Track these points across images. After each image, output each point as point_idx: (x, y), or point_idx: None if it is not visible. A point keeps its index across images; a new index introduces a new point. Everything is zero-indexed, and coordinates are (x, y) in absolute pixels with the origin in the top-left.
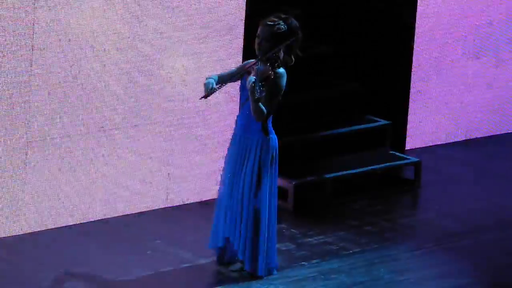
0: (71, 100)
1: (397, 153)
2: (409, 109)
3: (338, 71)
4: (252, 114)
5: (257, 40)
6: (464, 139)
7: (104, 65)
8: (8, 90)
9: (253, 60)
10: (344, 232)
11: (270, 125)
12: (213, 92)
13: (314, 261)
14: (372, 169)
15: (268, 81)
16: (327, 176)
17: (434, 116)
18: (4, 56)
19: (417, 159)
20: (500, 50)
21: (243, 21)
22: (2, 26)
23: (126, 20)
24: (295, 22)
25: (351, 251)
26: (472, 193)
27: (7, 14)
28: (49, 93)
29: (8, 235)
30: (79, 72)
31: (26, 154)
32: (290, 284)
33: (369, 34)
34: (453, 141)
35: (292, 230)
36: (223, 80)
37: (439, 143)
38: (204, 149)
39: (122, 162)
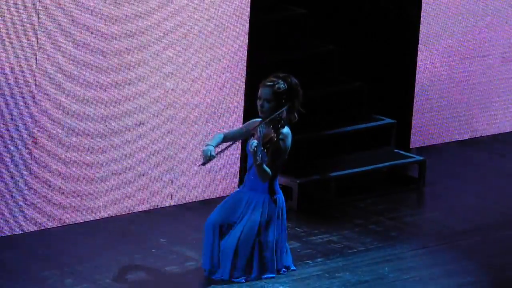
0: (77, 96)
1: (402, 152)
2: (414, 107)
3: (343, 69)
4: (257, 174)
5: (259, 102)
6: (469, 137)
7: (108, 60)
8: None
9: (257, 119)
10: (348, 230)
11: (277, 184)
12: (211, 160)
13: (319, 259)
14: (377, 167)
15: (271, 143)
16: (332, 174)
17: (439, 114)
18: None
19: (422, 158)
20: (507, 48)
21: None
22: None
23: (133, 17)
24: (294, 80)
25: (355, 250)
26: (477, 192)
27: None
28: (54, 90)
29: (14, 233)
30: (85, 67)
31: (31, 151)
32: (294, 282)
33: (374, 33)
34: (458, 139)
35: (296, 228)
36: (228, 140)
37: (444, 141)
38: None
39: (127, 160)
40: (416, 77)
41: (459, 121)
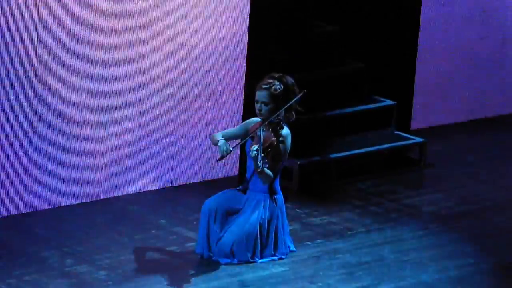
0: (72, 78)
1: (402, 134)
2: (414, 89)
3: (344, 50)
4: (258, 177)
5: (256, 105)
6: (470, 119)
7: (111, 43)
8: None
9: (255, 119)
10: (348, 212)
11: (277, 184)
12: (228, 154)
13: (319, 241)
14: (377, 149)
15: (272, 147)
16: (332, 156)
17: (440, 96)
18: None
19: (422, 140)
20: (507, 29)
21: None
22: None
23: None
24: (290, 80)
25: (355, 231)
26: (477, 174)
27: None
28: (52, 71)
29: (13, 213)
30: (84, 48)
31: (30, 133)
32: (294, 263)
33: (375, 14)
34: (459, 121)
35: (296, 210)
36: (228, 139)
37: (444, 123)
38: (211, 130)
39: (127, 141)
40: (417, 59)
41: (460, 103)
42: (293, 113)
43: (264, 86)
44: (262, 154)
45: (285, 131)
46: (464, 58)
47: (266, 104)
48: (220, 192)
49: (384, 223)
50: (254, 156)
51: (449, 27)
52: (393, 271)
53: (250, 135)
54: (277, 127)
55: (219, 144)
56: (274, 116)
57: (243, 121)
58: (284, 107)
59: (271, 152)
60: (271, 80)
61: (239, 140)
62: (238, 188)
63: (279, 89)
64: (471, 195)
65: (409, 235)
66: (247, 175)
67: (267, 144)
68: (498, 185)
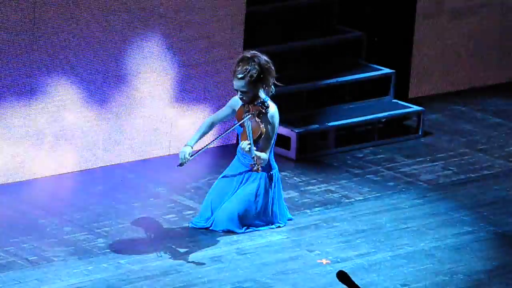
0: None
1: (401, 102)
2: (412, 57)
3: (342, 19)
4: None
5: (238, 94)
6: (467, 87)
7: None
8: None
9: (238, 97)
10: (346, 180)
11: (272, 159)
12: (187, 161)
13: (317, 209)
14: (375, 117)
15: (262, 134)
16: (330, 124)
17: (438, 64)
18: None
19: (420, 108)
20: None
21: None
22: None
23: None
24: (263, 58)
25: (353, 200)
26: (475, 142)
27: None
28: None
29: (11, 181)
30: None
31: (29, 102)
32: (292, 231)
33: None
34: (457, 89)
35: (294, 178)
36: (216, 123)
37: (443, 91)
38: (208, 100)
39: (124, 110)
40: (415, 27)
41: (458, 71)
42: (272, 88)
43: (239, 76)
44: (255, 148)
45: (271, 108)
46: (464, 25)
47: (245, 92)
48: (215, 184)
49: (382, 191)
50: (248, 151)
51: None
52: (391, 239)
53: (238, 123)
54: (262, 108)
55: (181, 150)
56: (256, 102)
57: None
58: (259, 89)
59: (262, 137)
60: (246, 67)
61: (203, 147)
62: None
63: (254, 74)
64: (469, 163)
65: (407, 203)
66: (239, 151)
67: (257, 135)
68: (496, 154)
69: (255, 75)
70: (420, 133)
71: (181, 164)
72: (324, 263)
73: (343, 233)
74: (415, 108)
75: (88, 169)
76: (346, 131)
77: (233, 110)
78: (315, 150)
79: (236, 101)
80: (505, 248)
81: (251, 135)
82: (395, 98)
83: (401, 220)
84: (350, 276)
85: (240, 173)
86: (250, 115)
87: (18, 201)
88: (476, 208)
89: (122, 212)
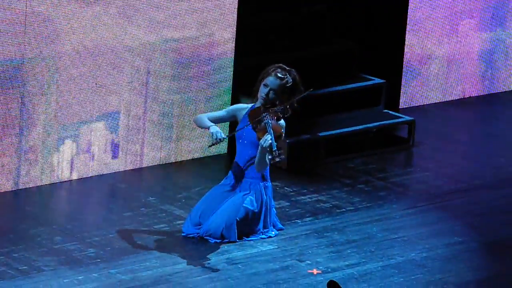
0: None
1: (391, 112)
2: (403, 68)
3: (333, 29)
4: (255, 164)
5: (264, 90)
6: (459, 98)
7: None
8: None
9: (242, 105)
10: (337, 190)
11: (267, 172)
12: (221, 142)
13: (308, 219)
14: (366, 127)
15: (281, 138)
16: (321, 134)
17: (429, 75)
18: None
19: (411, 118)
20: (498, 7)
21: None
22: None
23: None
24: (298, 77)
25: (344, 210)
26: (466, 153)
27: None
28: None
29: (2, 191)
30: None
31: (19, 108)
32: (283, 241)
33: None
34: (448, 100)
35: (285, 188)
36: (213, 122)
37: (433, 102)
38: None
39: (115, 119)
40: (406, 37)
41: (449, 82)
42: (289, 110)
43: (280, 75)
44: (276, 143)
45: (282, 122)
46: (453, 35)
47: (275, 92)
48: (204, 198)
49: (373, 201)
50: (268, 145)
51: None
52: (382, 249)
53: (249, 123)
54: (280, 114)
55: (210, 130)
56: (282, 107)
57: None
58: (291, 101)
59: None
60: (285, 73)
61: (227, 124)
62: (225, 183)
63: (290, 83)
64: (460, 173)
65: (398, 213)
66: (239, 161)
67: (277, 134)
68: (487, 164)
69: (289, 84)
70: (411, 143)
71: (213, 145)
72: (315, 273)
73: (334, 243)
74: (406, 118)
75: (80, 179)
76: (337, 141)
77: (232, 116)
78: (306, 160)
79: (239, 110)
80: (495, 258)
81: (271, 131)
82: (386, 108)
83: (392, 230)
84: (341, 286)
85: (235, 184)
86: (271, 114)
87: (8, 210)
88: (466, 218)
89: (113, 222)
